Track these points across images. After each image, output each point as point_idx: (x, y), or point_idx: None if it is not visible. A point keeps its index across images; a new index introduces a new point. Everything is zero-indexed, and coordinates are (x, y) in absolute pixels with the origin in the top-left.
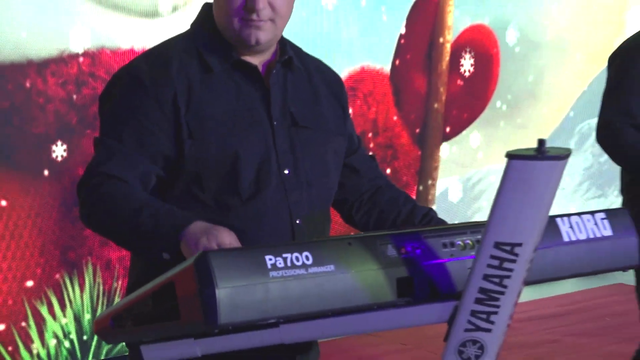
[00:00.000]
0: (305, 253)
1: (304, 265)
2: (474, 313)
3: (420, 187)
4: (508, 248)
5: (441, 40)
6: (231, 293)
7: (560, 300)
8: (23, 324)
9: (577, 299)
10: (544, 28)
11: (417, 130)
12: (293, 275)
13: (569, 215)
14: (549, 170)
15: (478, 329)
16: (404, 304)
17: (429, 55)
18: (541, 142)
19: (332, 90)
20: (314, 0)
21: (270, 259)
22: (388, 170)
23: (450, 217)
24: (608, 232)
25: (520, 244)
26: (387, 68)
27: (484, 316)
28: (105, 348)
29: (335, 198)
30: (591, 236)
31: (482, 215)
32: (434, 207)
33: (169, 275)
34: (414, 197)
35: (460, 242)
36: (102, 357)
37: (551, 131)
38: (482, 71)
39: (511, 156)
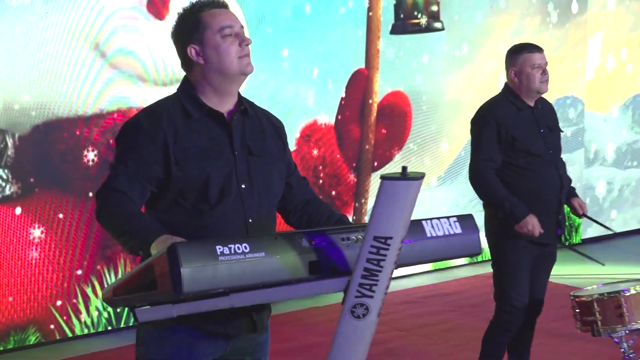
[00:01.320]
0: (244, 244)
1: (243, 252)
2: (361, 285)
3: (356, 204)
4: (383, 240)
5: (370, 101)
6: (192, 271)
7: (457, 282)
8: (74, 300)
9: (471, 282)
10: (443, 92)
11: (354, 164)
12: (235, 259)
13: (431, 218)
14: (409, 187)
15: (364, 295)
16: (313, 279)
17: (361, 112)
18: (404, 168)
19: (276, 130)
20: (282, 75)
21: (219, 248)
22: (333, 192)
23: None
24: (458, 230)
25: (391, 237)
26: (332, 121)
27: (368, 287)
28: (133, 318)
29: (278, 207)
30: (446, 233)
31: None
32: (366, 218)
33: (150, 260)
34: (351, 211)
35: (353, 237)
36: (131, 324)
37: (448, 165)
38: (399, 123)
39: (383, 177)
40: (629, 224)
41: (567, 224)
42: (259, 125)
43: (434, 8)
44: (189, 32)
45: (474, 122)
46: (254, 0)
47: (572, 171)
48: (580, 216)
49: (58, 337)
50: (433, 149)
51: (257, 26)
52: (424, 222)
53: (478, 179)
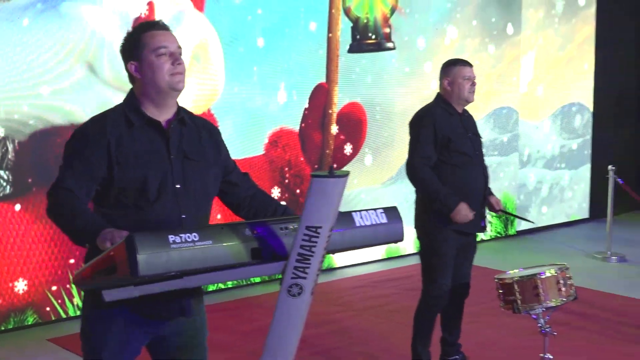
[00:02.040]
0: (194, 233)
1: (192, 241)
2: (296, 268)
3: None
4: (314, 229)
5: (330, 111)
6: (147, 257)
7: (405, 269)
8: (68, 286)
9: (416, 268)
10: (395, 103)
11: (316, 166)
12: (186, 247)
13: (360, 210)
14: (335, 184)
15: (298, 277)
16: (255, 263)
17: (322, 121)
18: (331, 167)
19: (211, 136)
20: (253, 88)
21: (172, 237)
22: (298, 191)
23: None
24: (384, 220)
25: (320, 227)
26: (297, 128)
27: (302, 269)
28: None
29: (226, 201)
30: (373, 223)
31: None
32: None
33: (111, 248)
34: None
35: (291, 227)
36: None
37: (399, 167)
38: (356, 130)
39: (313, 175)
40: (557, 218)
41: (503, 218)
42: (196, 132)
43: (386, 30)
44: (131, 50)
45: (413, 124)
46: (228, 23)
47: (508, 172)
48: (496, 212)
49: (53, 318)
50: (385, 152)
51: (231, 46)
52: (353, 213)
53: (415, 175)
